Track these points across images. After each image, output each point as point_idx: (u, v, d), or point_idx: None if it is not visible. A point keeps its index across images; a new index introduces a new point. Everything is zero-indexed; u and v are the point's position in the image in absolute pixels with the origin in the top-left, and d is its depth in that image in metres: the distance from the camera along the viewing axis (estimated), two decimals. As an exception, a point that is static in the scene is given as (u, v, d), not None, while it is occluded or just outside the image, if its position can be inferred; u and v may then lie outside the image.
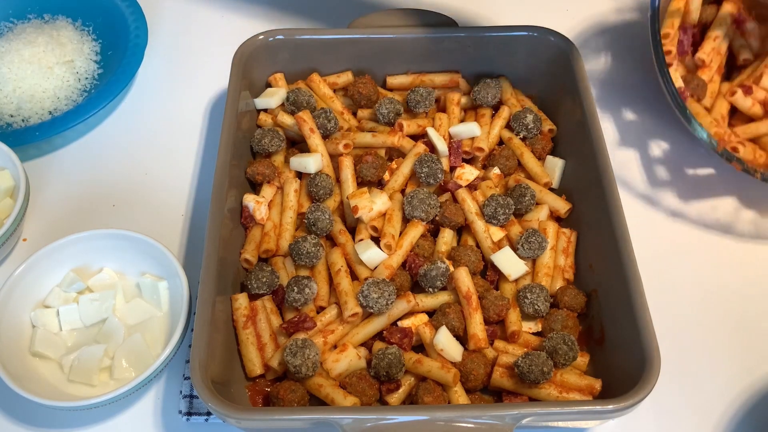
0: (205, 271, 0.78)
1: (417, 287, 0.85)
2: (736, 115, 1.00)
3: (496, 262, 0.85)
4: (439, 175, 0.90)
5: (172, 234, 0.95)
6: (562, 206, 0.92)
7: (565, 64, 0.97)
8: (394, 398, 0.78)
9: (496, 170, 0.94)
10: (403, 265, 0.86)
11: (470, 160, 0.97)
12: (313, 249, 0.84)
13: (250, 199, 0.89)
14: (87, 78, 1.09)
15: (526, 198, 0.90)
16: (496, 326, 0.83)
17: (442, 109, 1.01)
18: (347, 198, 0.89)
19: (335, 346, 0.80)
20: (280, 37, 1.00)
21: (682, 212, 0.98)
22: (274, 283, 0.84)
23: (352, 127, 0.99)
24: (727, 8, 1.01)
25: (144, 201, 0.99)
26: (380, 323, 0.81)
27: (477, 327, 0.80)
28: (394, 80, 1.03)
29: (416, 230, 0.87)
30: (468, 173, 0.93)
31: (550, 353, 0.77)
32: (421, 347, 0.81)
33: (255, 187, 0.94)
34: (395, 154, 0.97)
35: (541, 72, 1.01)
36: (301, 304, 0.82)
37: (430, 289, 0.83)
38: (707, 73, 0.99)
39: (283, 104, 0.99)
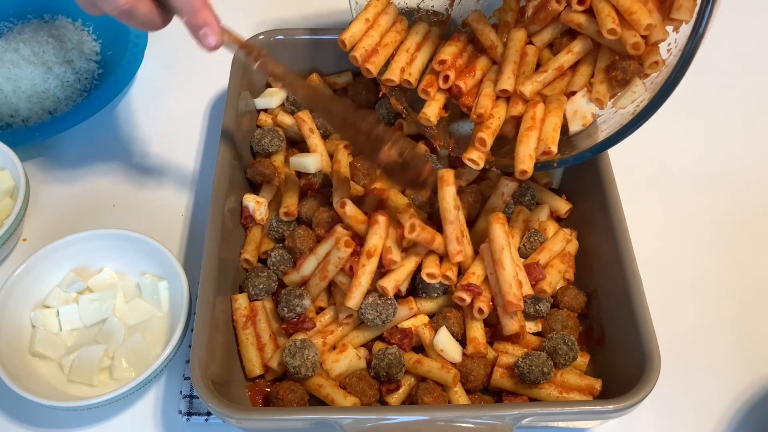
0: (205, 271, 0.78)
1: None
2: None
3: None
4: (439, 175, 0.90)
5: (172, 234, 0.95)
6: (562, 206, 0.91)
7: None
8: (394, 398, 0.78)
9: (496, 170, 0.94)
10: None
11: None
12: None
13: (250, 200, 0.89)
14: (87, 78, 1.09)
15: (526, 198, 0.90)
16: (497, 327, 0.83)
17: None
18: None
19: (335, 347, 0.80)
20: (280, 37, 1.00)
21: (683, 212, 0.98)
22: (271, 288, 0.84)
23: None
24: None
25: (144, 201, 0.99)
26: (379, 330, 0.81)
27: (477, 331, 0.80)
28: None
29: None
30: (468, 173, 0.93)
31: (550, 353, 0.77)
32: (421, 348, 0.81)
33: (255, 187, 0.94)
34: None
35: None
36: (294, 317, 0.81)
37: (430, 294, 0.83)
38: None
39: (283, 104, 1.00)
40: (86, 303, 0.85)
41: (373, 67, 0.84)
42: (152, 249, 0.85)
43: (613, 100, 0.80)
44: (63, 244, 0.85)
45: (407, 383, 0.79)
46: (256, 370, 0.79)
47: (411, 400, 0.78)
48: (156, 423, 0.81)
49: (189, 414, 0.80)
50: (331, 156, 0.94)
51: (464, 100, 0.84)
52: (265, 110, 1.00)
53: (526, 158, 0.77)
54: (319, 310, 0.83)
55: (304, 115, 0.95)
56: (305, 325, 0.80)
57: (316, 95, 0.81)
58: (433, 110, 0.84)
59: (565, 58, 0.81)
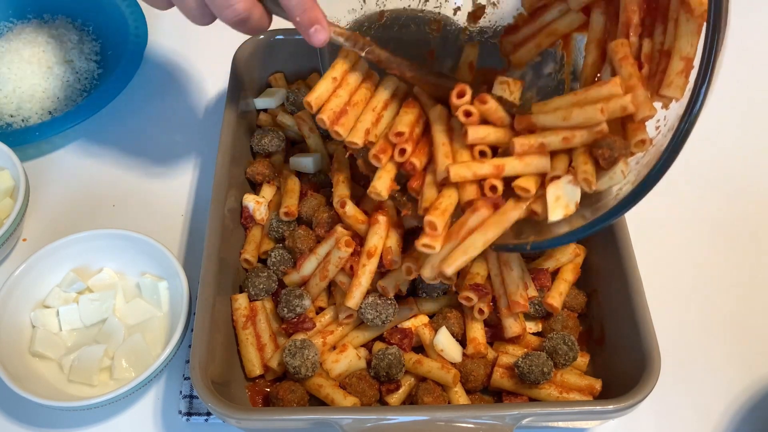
0: (205, 271, 0.78)
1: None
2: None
3: None
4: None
5: (172, 234, 0.95)
6: (562, 206, 0.91)
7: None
8: (394, 398, 0.78)
9: None
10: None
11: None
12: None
13: (250, 200, 0.89)
14: (87, 78, 1.09)
15: (526, 198, 0.90)
16: (497, 327, 0.83)
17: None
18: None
19: (335, 347, 0.80)
20: (280, 37, 1.00)
21: (683, 212, 0.98)
22: (271, 288, 0.84)
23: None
24: None
25: (144, 201, 0.99)
26: (379, 330, 0.81)
27: (477, 332, 0.80)
28: (394, 80, 1.02)
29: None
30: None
31: (550, 353, 0.77)
32: (421, 348, 0.81)
33: (255, 187, 0.94)
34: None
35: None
36: (294, 317, 0.81)
37: (430, 294, 0.83)
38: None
39: (283, 104, 1.00)
40: (86, 303, 0.85)
41: (342, 130, 0.76)
42: (152, 249, 0.85)
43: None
44: (63, 244, 0.85)
45: (407, 383, 0.79)
46: (256, 370, 0.79)
47: (411, 400, 0.78)
48: (156, 423, 0.81)
49: (189, 414, 0.80)
50: (331, 156, 0.94)
51: (412, 184, 0.76)
52: (265, 110, 1.00)
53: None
54: (319, 310, 0.83)
55: (305, 115, 0.95)
56: (305, 325, 0.80)
57: (424, 73, 0.79)
58: (383, 183, 0.75)
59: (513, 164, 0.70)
